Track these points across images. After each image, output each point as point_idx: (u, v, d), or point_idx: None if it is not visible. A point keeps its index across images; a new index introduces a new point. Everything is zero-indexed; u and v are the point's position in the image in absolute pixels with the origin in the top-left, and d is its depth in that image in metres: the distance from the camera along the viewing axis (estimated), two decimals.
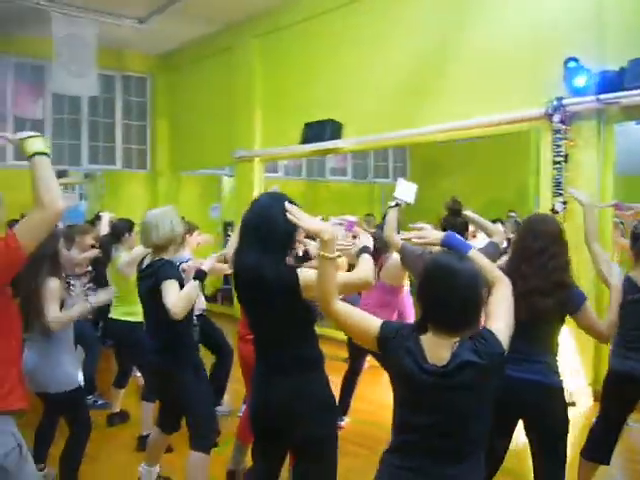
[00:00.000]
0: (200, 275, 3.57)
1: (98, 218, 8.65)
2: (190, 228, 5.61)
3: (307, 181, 13.93)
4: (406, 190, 7.51)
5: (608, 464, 3.66)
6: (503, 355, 2.02)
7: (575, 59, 5.79)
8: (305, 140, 8.66)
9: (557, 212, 5.92)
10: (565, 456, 3.00)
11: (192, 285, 3.49)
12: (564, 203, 5.91)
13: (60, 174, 14.63)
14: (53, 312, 3.53)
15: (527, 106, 6.16)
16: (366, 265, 2.70)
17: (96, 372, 5.90)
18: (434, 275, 2.08)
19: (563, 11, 6.05)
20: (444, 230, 4.07)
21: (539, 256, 2.92)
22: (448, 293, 2.02)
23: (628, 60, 5.50)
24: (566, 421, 3.00)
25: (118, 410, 5.47)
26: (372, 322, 2.21)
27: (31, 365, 3.54)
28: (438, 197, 11.97)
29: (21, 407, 2.37)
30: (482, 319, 2.14)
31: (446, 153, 10.61)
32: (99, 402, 5.76)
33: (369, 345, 2.21)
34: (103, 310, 5.31)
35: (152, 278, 3.52)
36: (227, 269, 3.85)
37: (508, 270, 3.01)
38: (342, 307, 2.29)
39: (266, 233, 2.65)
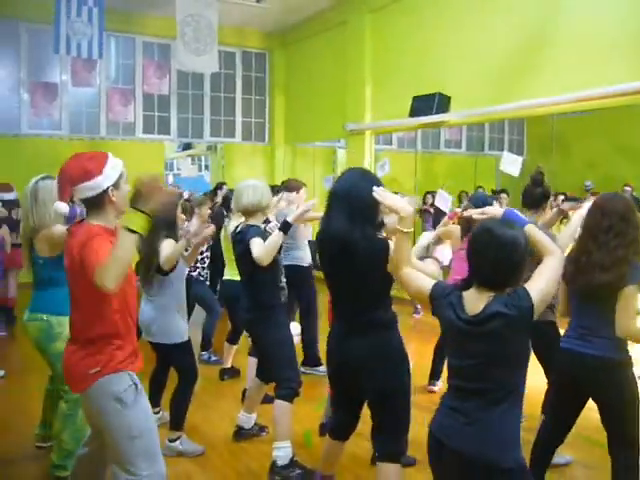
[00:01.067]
0: (284, 226, 3.81)
1: (219, 188, 9.27)
2: (301, 184, 5.98)
3: (421, 153, 14.01)
4: (512, 162, 7.56)
5: None
6: (532, 309, 2.22)
7: None
8: (413, 113, 8.80)
9: None
10: (630, 436, 3.05)
11: (276, 234, 3.79)
12: None
13: (186, 145, 15.55)
14: (164, 252, 3.97)
15: (631, 79, 6.03)
16: None
17: (214, 331, 6.41)
18: (478, 237, 2.32)
19: None
20: (524, 198, 4.24)
21: (605, 233, 3.01)
22: (486, 252, 2.27)
23: None
24: (627, 397, 3.06)
25: (229, 366, 5.93)
26: (427, 282, 2.49)
27: (147, 317, 4.04)
28: (557, 169, 11.94)
29: (140, 364, 2.82)
30: None
31: (563, 126, 10.43)
32: (213, 358, 6.27)
33: (424, 302, 2.49)
34: (220, 274, 5.83)
35: (242, 243, 3.91)
36: (317, 216, 4.03)
37: (577, 247, 3.14)
38: (407, 272, 2.57)
39: (354, 203, 2.96)
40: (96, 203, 2.69)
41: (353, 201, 2.96)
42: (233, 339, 5.92)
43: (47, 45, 9.99)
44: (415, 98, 8.79)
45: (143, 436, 2.70)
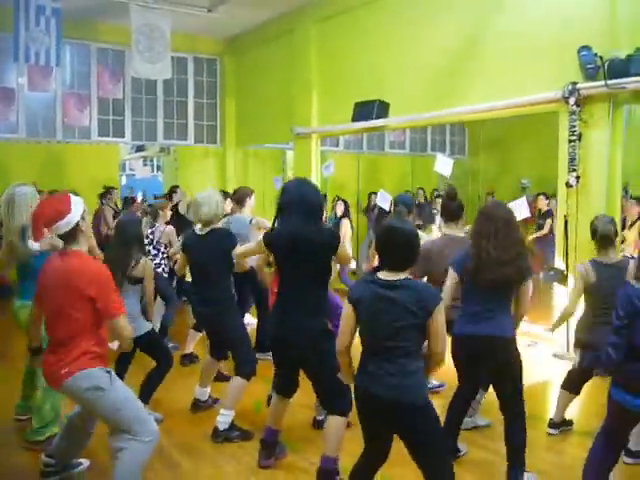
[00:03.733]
0: None
1: (174, 191, 9.79)
2: (250, 192, 6.57)
3: (367, 154, 14.70)
4: (444, 164, 8.26)
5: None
6: (435, 293, 2.95)
7: (588, 47, 6.40)
8: (355, 118, 9.44)
9: (571, 186, 6.58)
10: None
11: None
12: (577, 178, 6.55)
13: (139, 148, 15.96)
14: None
15: (547, 89, 6.77)
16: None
17: (172, 321, 7.01)
18: (385, 231, 2.98)
19: (579, 3, 6.64)
20: (443, 211, 4.98)
21: (494, 236, 3.71)
22: (392, 242, 2.95)
23: (635, 48, 6.09)
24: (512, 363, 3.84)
25: (190, 351, 6.52)
26: None
27: None
28: (495, 169, 12.75)
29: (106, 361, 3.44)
30: None
31: (501, 128, 11.20)
32: (170, 345, 6.82)
33: None
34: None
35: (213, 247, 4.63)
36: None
37: (473, 247, 3.84)
38: None
39: (306, 207, 3.71)
40: (71, 235, 3.33)
41: (305, 206, 3.71)
42: (199, 327, 6.36)
43: (4, 52, 10.36)
44: (357, 104, 9.44)
45: (126, 406, 3.31)
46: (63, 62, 10.76)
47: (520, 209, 6.24)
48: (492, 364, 3.84)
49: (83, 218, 3.38)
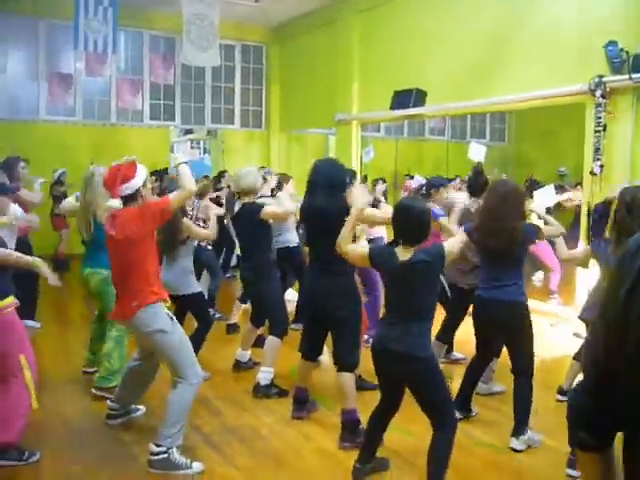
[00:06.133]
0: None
1: (222, 175, 10.35)
2: (286, 178, 7.14)
3: (407, 140, 15.09)
4: (478, 151, 8.67)
5: None
6: (444, 256, 3.37)
7: (615, 42, 6.72)
8: (394, 106, 9.87)
9: (595, 174, 6.93)
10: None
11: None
12: (601, 167, 6.90)
13: (187, 131, 16.59)
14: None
15: (575, 82, 7.11)
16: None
17: (217, 293, 7.58)
18: (398, 210, 3.45)
19: (608, 1, 6.97)
20: (469, 186, 5.42)
21: (494, 208, 4.14)
22: (405, 219, 3.41)
23: None
24: (521, 325, 4.23)
25: (235, 321, 7.07)
26: (364, 249, 3.65)
27: (172, 277, 5.14)
28: (534, 156, 13.08)
29: (166, 296, 3.97)
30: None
31: (541, 117, 11.46)
32: (217, 315, 7.38)
33: (365, 262, 3.62)
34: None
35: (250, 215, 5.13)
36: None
37: (480, 219, 4.27)
38: (349, 248, 3.73)
39: (329, 182, 4.22)
40: (133, 197, 3.87)
41: (329, 182, 4.22)
42: (243, 299, 6.92)
43: (62, 39, 11.07)
44: (395, 92, 9.86)
45: (182, 350, 3.87)
46: (118, 49, 11.39)
47: (547, 196, 6.61)
48: (503, 326, 4.27)
49: (144, 185, 3.92)
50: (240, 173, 5.26)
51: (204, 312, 5.52)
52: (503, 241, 4.09)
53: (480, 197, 5.32)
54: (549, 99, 7.59)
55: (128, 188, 3.82)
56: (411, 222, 3.39)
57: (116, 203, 4.21)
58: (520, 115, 13.49)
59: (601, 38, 6.82)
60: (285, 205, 5.15)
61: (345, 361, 4.23)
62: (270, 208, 5.13)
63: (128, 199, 3.88)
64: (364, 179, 10.11)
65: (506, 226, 4.06)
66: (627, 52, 6.64)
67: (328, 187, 4.21)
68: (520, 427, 4.19)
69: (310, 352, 4.57)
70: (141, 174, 3.88)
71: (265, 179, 6.49)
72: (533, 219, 5.48)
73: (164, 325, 3.84)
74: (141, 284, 3.83)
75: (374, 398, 3.77)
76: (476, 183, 5.38)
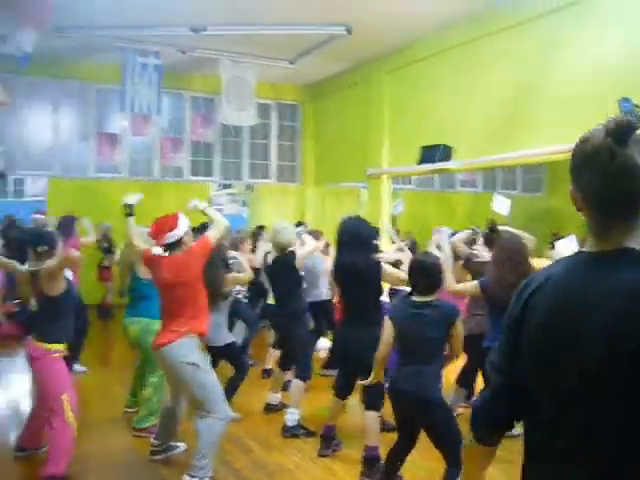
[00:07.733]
0: None
1: (259, 233, 10.77)
2: (318, 233, 7.57)
3: (438, 192, 15.49)
4: (501, 203, 8.97)
5: None
6: (455, 309, 3.75)
7: (628, 99, 7.08)
8: (421, 161, 10.30)
9: None
10: None
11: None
12: None
13: (226, 186, 17.24)
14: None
15: None
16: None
17: (252, 342, 7.99)
18: (412, 265, 3.84)
19: (623, 59, 7.33)
20: (486, 239, 5.80)
21: (503, 262, 4.55)
22: (420, 273, 3.78)
23: None
24: None
25: (270, 367, 7.42)
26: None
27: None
28: (571, 209, 13.37)
29: (203, 330, 4.39)
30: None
31: None
32: (250, 362, 7.75)
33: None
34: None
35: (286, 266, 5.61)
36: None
37: (494, 274, 4.62)
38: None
39: (358, 241, 4.65)
40: (177, 244, 4.36)
41: (357, 240, 4.68)
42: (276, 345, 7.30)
43: (110, 101, 11.81)
44: (423, 147, 10.30)
45: (212, 388, 4.26)
46: (161, 110, 12.09)
47: (569, 246, 6.90)
48: None
49: (186, 233, 4.41)
50: (277, 228, 5.72)
51: (240, 360, 5.91)
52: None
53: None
54: (568, 153, 7.87)
55: (172, 237, 4.30)
56: (423, 275, 3.85)
57: (159, 250, 4.64)
58: (553, 166, 13.76)
59: (615, 94, 7.16)
60: (310, 243, 5.69)
61: (371, 401, 4.58)
62: (301, 251, 5.64)
63: (171, 246, 4.35)
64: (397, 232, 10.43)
65: (518, 278, 4.42)
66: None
67: (356, 244, 4.65)
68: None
69: (342, 391, 4.98)
70: (183, 224, 4.36)
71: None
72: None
73: (199, 360, 4.25)
74: (190, 314, 4.30)
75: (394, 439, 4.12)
76: (489, 237, 5.75)
